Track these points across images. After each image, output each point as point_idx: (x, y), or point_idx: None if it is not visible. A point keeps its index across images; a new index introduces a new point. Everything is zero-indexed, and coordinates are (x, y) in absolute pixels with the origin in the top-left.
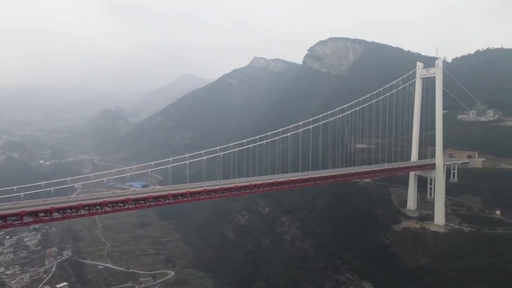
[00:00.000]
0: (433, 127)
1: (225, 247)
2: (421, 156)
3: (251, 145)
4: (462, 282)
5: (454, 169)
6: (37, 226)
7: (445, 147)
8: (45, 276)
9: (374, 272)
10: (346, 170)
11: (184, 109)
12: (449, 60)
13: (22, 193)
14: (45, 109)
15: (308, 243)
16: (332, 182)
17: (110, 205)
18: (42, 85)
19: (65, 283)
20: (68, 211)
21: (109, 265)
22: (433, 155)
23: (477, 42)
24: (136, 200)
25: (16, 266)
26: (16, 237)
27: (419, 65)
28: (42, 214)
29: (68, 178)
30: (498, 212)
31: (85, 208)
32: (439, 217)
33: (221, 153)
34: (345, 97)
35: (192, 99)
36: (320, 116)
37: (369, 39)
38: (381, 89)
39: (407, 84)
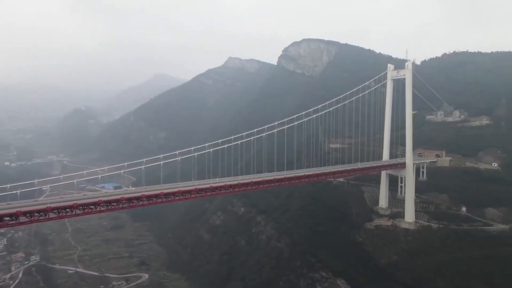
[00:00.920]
0: (403, 127)
1: (200, 248)
2: (392, 155)
3: (226, 145)
4: (431, 277)
5: (423, 168)
6: (2, 230)
7: (415, 146)
8: (11, 282)
9: (347, 270)
10: (320, 169)
11: (157, 109)
12: (418, 62)
13: None
14: (10, 108)
15: (284, 242)
16: (306, 181)
17: (81, 207)
18: (6, 82)
19: None
20: (36, 214)
21: (80, 270)
22: (403, 155)
23: (444, 46)
24: (108, 202)
25: None
26: None
27: (390, 67)
28: (8, 218)
29: (36, 180)
30: (464, 209)
31: (54, 211)
32: (409, 214)
33: (196, 154)
34: (319, 98)
35: (166, 99)
36: (294, 116)
37: (342, 41)
38: (354, 90)
39: (379, 85)
